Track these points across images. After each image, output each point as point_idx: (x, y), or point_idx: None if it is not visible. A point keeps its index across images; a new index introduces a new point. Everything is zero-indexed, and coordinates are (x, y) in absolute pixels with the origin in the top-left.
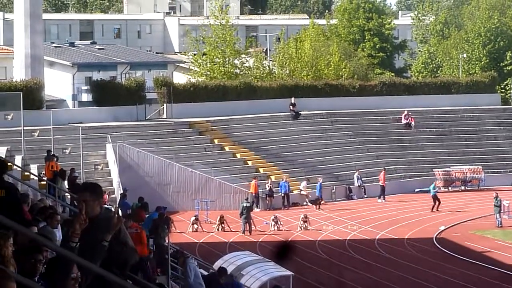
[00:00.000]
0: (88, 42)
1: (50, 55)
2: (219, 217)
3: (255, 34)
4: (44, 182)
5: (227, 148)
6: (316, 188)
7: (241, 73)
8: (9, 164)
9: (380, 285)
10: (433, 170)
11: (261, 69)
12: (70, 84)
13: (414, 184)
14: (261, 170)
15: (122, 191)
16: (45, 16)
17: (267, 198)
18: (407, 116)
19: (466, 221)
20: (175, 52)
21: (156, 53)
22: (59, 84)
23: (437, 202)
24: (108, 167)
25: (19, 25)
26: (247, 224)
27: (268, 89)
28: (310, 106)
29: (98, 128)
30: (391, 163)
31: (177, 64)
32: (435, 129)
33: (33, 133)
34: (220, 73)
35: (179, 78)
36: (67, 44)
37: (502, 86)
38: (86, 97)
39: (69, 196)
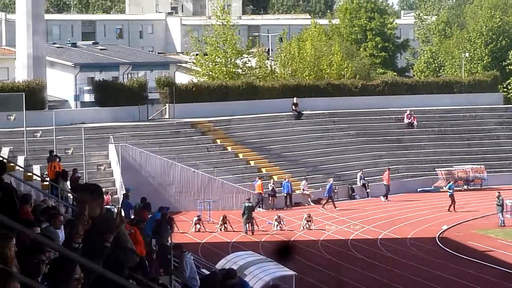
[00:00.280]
0: (90, 42)
1: (52, 56)
2: (222, 217)
3: (257, 34)
4: (47, 183)
5: (229, 148)
6: (326, 188)
7: (243, 73)
8: (11, 164)
9: (383, 284)
10: (435, 169)
11: (263, 69)
12: (72, 85)
13: (416, 184)
14: (263, 170)
15: (124, 191)
16: (47, 16)
17: (270, 198)
18: (409, 115)
19: (469, 220)
20: (177, 52)
21: (158, 53)
22: (61, 84)
23: (454, 202)
24: (110, 168)
25: (21, 25)
26: (249, 224)
27: (270, 89)
28: (312, 106)
29: (100, 129)
30: (393, 163)
31: (179, 64)
32: (437, 128)
33: (35, 134)
34: (222, 73)
35: (181, 78)
36: (69, 45)
37: (504, 85)
38: (88, 97)
39: (71, 197)
